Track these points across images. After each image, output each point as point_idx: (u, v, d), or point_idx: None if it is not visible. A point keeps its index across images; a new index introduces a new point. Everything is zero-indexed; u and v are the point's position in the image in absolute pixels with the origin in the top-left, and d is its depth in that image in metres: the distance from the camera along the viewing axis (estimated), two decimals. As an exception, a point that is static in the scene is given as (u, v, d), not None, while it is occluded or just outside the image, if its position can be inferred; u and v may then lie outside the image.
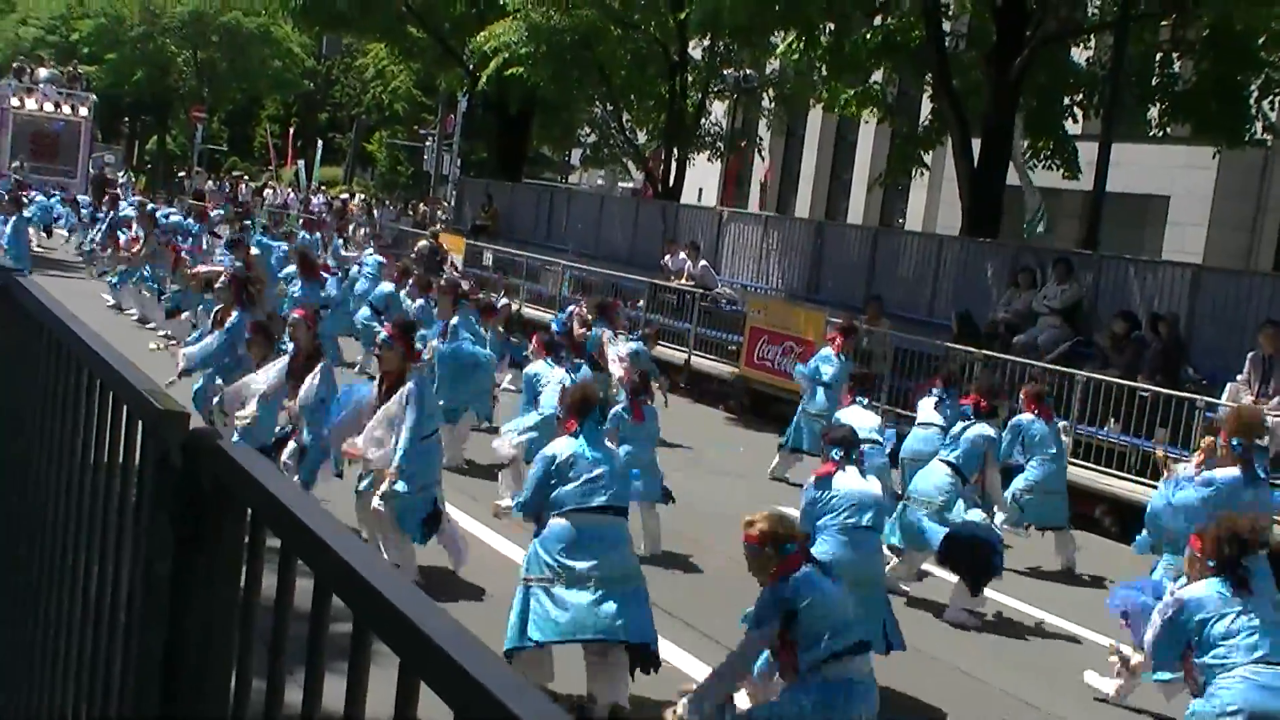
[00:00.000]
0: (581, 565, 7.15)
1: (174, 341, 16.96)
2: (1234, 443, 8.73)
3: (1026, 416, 12.25)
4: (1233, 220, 28.42)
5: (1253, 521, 6.79)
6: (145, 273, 21.09)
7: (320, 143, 59.44)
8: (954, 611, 10.00)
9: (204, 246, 23.66)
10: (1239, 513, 7.17)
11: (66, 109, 45.76)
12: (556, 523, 7.32)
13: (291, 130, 60.61)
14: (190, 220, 27.40)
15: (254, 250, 20.24)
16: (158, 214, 25.32)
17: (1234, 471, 8.66)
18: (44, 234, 32.28)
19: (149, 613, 2.41)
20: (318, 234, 27.97)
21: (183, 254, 20.25)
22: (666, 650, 7.74)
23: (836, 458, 8.11)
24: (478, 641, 1.56)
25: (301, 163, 58.57)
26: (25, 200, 28.69)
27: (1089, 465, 14.45)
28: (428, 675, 1.57)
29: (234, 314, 12.07)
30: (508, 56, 28.09)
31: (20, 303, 4.08)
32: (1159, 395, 14.18)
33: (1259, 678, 6.28)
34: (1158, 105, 21.45)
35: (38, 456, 3.59)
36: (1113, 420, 14.72)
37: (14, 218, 24.50)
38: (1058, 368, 15.61)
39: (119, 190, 38.87)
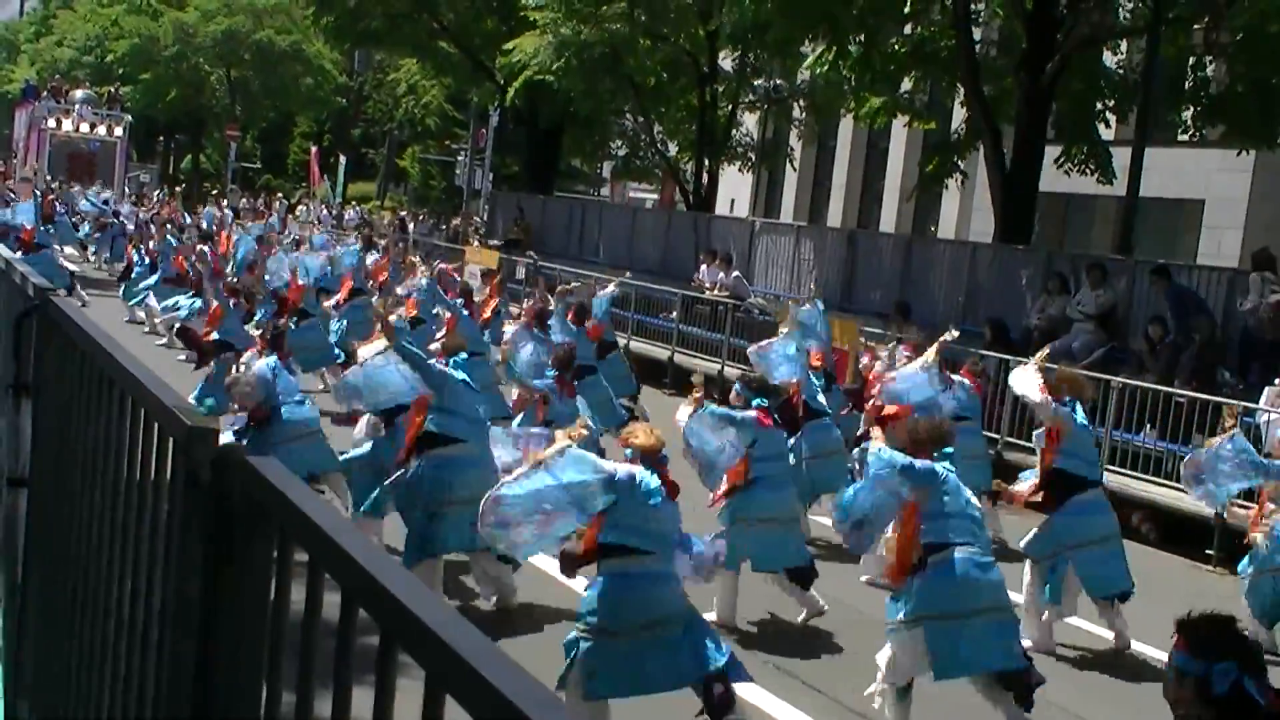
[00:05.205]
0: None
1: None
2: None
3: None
4: (1269, 223, 28.13)
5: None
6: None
7: (344, 159, 59.56)
8: (1044, 639, 9.29)
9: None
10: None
11: (102, 129, 46.24)
12: None
13: (318, 149, 60.76)
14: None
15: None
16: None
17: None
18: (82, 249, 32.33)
19: (181, 625, 2.43)
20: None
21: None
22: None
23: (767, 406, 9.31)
24: (503, 655, 1.57)
25: (328, 179, 58.78)
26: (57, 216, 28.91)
27: (1126, 472, 14.32)
28: (453, 688, 1.57)
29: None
30: (537, 69, 28.16)
31: (56, 321, 4.12)
32: (1196, 400, 14.05)
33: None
34: (1191, 109, 21.27)
35: (74, 472, 3.63)
36: (1149, 426, 14.58)
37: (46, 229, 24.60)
38: (1093, 374, 15.44)
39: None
